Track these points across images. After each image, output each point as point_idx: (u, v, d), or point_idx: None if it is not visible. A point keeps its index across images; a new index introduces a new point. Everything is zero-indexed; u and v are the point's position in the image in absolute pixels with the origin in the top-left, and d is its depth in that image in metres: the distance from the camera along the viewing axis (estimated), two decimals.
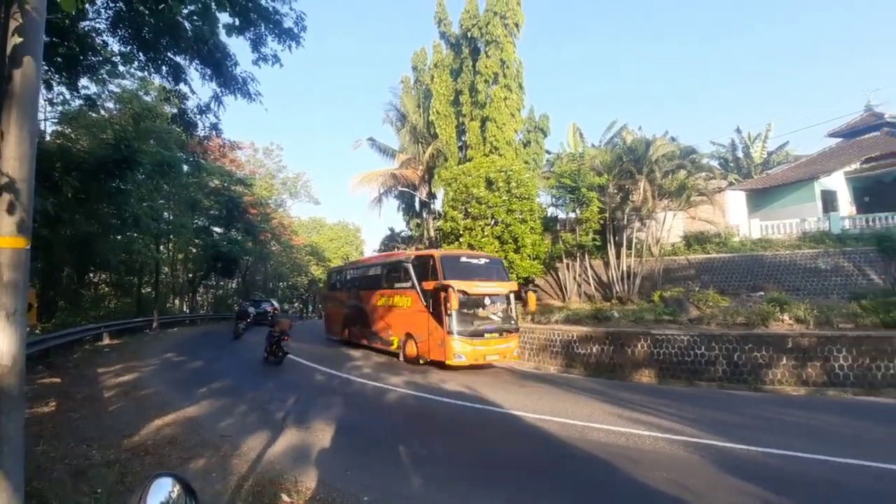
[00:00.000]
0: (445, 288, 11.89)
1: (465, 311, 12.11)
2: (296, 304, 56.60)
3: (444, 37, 27.41)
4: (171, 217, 26.64)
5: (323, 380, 10.84)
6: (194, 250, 32.60)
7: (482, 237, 18.81)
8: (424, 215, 27.81)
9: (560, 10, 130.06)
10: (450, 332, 11.80)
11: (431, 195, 27.31)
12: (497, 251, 18.03)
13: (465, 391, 9.53)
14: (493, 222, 19.26)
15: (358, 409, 8.19)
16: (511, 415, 7.62)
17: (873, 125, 24.43)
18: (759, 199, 23.59)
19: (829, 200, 21.31)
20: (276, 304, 37.66)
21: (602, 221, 19.60)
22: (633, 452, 5.74)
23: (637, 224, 19.91)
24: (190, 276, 35.11)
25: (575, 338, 13.58)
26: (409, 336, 13.49)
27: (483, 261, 13.61)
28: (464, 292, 11.94)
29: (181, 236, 28.11)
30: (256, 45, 8.84)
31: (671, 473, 5.01)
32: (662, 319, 13.33)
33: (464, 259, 13.26)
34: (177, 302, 34.21)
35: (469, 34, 24.92)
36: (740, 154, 31.84)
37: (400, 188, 27.50)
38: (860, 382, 10.12)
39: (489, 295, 12.78)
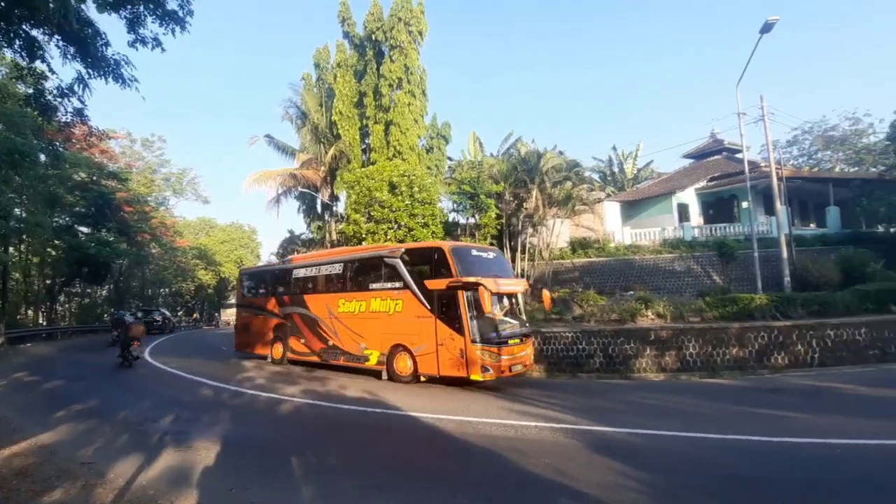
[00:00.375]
0: (468, 287, 9.98)
1: (487, 314, 10.01)
2: (194, 315, 51.39)
3: (348, 37, 26.98)
4: (24, 214, 22.55)
5: (210, 394, 10.04)
6: (54, 253, 27.94)
7: (385, 241, 18.83)
8: (327, 217, 27.01)
9: (462, 23, 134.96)
10: (474, 341, 9.80)
11: (334, 197, 26.62)
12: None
13: (365, 396, 9.50)
14: (395, 226, 19.38)
15: (248, 422, 7.77)
16: (410, 417, 7.77)
17: (716, 150, 29.17)
18: (631, 209, 26.77)
19: (683, 212, 24.91)
20: (166, 312, 33.85)
21: (499, 227, 20.74)
22: (521, 443, 6.18)
23: (530, 230, 21.45)
24: (48, 282, 30.05)
25: None
26: (398, 349, 11.23)
27: (492, 254, 11.76)
28: (491, 292, 9.91)
29: (37, 237, 23.81)
30: (134, 25, 7.92)
31: (553, 459, 5.49)
32: (551, 318, 14.52)
33: (475, 252, 11.23)
34: (30, 313, 29.11)
35: (374, 37, 24.85)
36: (616, 169, 35.87)
37: (300, 189, 26.38)
38: (705, 367, 12.00)
39: (510, 294, 11.23)
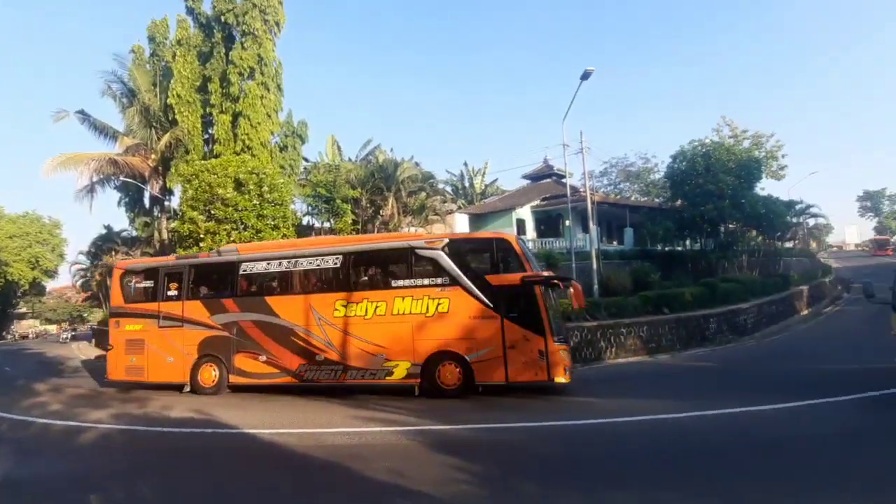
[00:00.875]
0: (548, 281, 9.57)
1: (555, 311, 9.39)
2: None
3: (193, 13, 24.14)
4: None
5: None
6: None
7: (227, 243, 17.29)
8: (156, 213, 23.59)
9: (327, 24, 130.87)
10: (556, 340, 9.36)
11: (166, 191, 23.40)
12: None
13: (194, 416, 8.64)
14: (241, 227, 17.95)
15: (35, 459, 6.48)
16: (245, 435, 7.35)
17: (547, 174, 33.64)
18: (478, 221, 29.19)
19: (521, 227, 28.09)
20: None
21: (355, 232, 20.72)
22: (363, 450, 6.29)
23: None
24: None
25: None
26: (443, 356, 9.72)
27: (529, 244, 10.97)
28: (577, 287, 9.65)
29: None
30: None
31: (393, 462, 5.62)
32: None
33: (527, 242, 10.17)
34: None
35: (223, 19, 22.68)
36: (467, 184, 38.82)
37: (123, 178, 22.56)
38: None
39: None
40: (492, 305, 9.62)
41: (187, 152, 22.27)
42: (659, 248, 26.03)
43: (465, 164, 39.01)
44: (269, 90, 22.96)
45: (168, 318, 11.43)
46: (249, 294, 11.27)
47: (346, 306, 10.38)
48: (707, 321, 17.44)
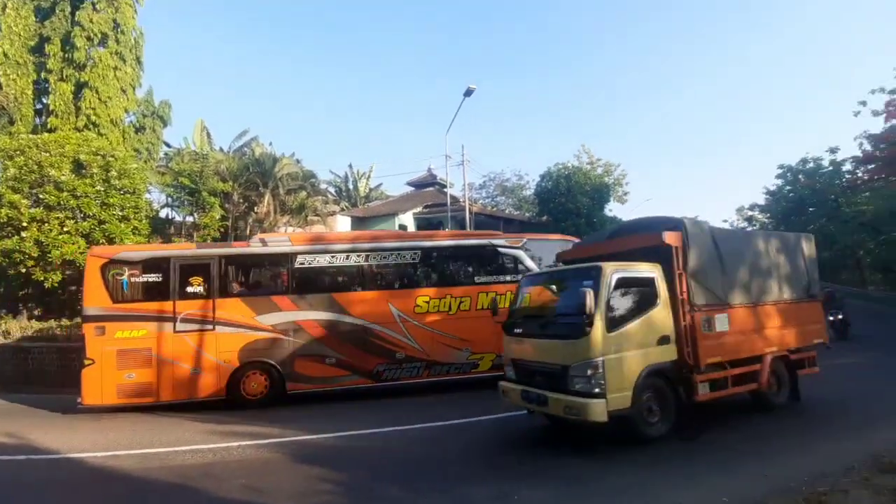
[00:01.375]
0: None
1: None
2: None
3: None
4: None
5: None
6: None
7: (60, 234, 14.75)
8: None
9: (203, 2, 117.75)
10: None
11: None
12: (82, 253, 14.51)
13: (4, 441, 7.30)
14: (79, 216, 15.44)
15: None
16: (71, 460, 6.45)
17: (431, 182, 34.84)
18: (362, 225, 29.03)
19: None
20: None
21: (223, 229, 19.15)
22: (217, 468, 5.91)
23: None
24: None
25: None
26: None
27: None
28: None
29: None
30: None
31: (251, 479, 5.39)
32: None
33: None
34: None
35: None
36: (351, 186, 38.27)
37: None
38: None
39: None
40: None
41: (11, 122, 18.48)
42: None
43: (350, 167, 38.49)
44: (125, 61, 20.12)
45: (190, 321, 9.39)
46: (311, 290, 10.05)
47: (428, 302, 10.29)
48: None
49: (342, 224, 27.14)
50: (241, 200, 19.99)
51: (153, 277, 9.50)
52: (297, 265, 10.05)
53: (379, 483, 5.30)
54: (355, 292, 10.27)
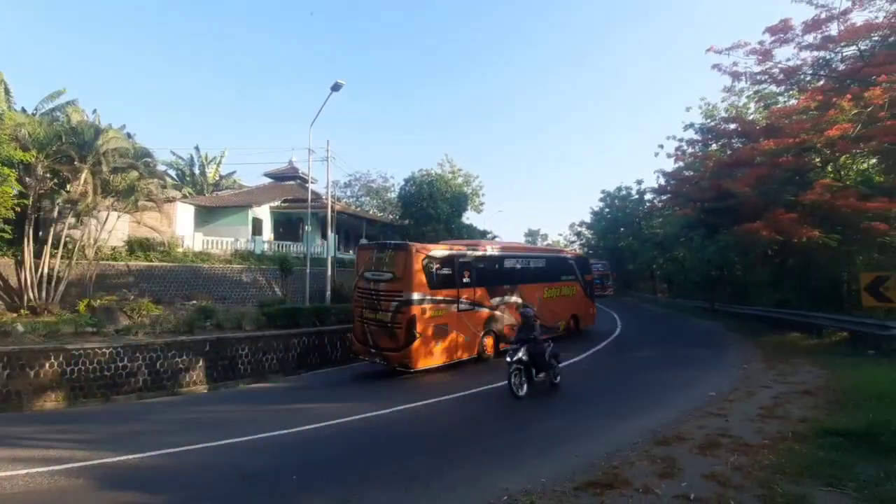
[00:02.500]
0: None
1: None
2: None
3: None
4: None
5: None
6: None
7: None
8: None
9: None
10: None
11: None
12: None
13: None
14: None
15: None
16: None
17: (292, 176, 33.03)
18: (208, 215, 26.09)
19: (257, 226, 26.58)
20: None
21: (20, 208, 15.41)
22: None
23: (72, 220, 17.06)
24: None
25: None
26: (572, 317, 18.05)
27: None
28: None
29: None
30: None
31: None
32: (85, 332, 12.12)
33: None
34: None
35: None
36: (197, 171, 34.11)
37: None
38: (255, 373, 13.22)
39: None
40: (587, 293, 18.79)
41: None
42: None
43: (197, 149, 34.13)
44: None
45: (464, 303, 12.86)
46: (510, 282, 14.66)
47: (548, 291, 16.43)
48: None
49: (183, 213, 24.05)
50: (47, 175, 16.30)
51: (447, 271, 12.50)
52: (503, 265, 14.82)
53: (202, 501, 4.91)
54: (523, 284, 15.15)
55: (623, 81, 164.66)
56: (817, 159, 17.46)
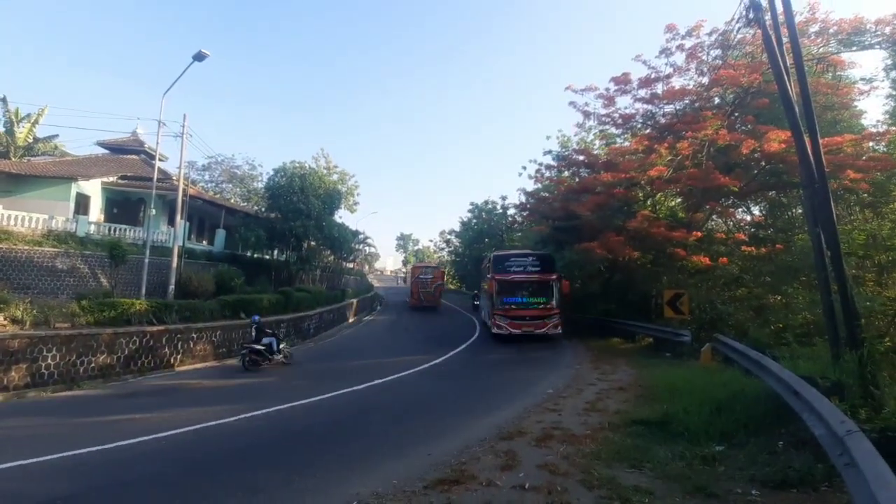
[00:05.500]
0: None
1: None
2: None
3: None
4: None
5: None
6: None
7: None
8: None
9: None
10: None
11: None
12: None
13: None
14: None
15: None
16: None
17: (135, 149, 28.44)
18: (13, 184, 21.08)
19: (82, 203, 22.24)
20: None
21: None
22: None
23: None
24: None
25: None
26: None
27: None
28: None
29: None
30: None
31: None
32: None
33: None
34: None
35: None
36: (2, 128, 27.21)
37: None
38: (64, 379, 11.07)
39: None
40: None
41: None
42: (249, 254, 26.69)
43: (4, 101, 27.15)
44: None
45: None
46: None
47: None
48: (279, 325, 19.21)
49: None
50: None
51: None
52: None
53: None
54: None
55: (496, 85, 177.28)
56: (640, 194, 21.09)
